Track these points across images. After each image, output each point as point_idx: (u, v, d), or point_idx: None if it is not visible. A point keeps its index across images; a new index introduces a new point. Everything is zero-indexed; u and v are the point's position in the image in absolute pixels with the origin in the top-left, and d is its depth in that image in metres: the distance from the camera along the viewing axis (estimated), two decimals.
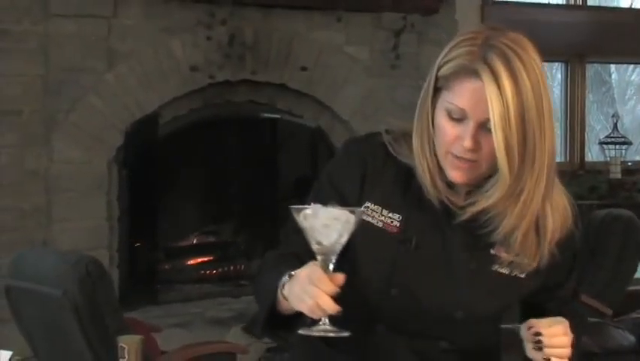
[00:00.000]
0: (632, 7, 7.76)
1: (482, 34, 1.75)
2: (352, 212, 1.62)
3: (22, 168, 4.95)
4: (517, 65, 1.70)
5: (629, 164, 7.07)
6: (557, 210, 1.85)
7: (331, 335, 1.63)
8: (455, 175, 1.79)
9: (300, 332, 1.66)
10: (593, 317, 3.65)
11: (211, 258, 5.88)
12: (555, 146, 1.78)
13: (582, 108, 7.32)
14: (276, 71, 5.53)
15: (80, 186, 5.06)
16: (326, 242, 1.61)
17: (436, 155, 1.81)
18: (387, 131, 1.95)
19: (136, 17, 5.18)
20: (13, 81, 4.91)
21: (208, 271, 5.84)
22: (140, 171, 5.34)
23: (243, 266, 5.87)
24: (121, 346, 1.66)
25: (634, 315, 3.33)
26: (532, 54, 1.75)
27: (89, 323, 3.41)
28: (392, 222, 1.87)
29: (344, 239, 1.62)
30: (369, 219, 1.87)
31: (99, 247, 4.98)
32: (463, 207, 1.83)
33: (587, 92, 7.38)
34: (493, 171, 1.77)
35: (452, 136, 1.76)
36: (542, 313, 1.88)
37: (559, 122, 7.42)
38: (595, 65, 7.61)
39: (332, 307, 1.60)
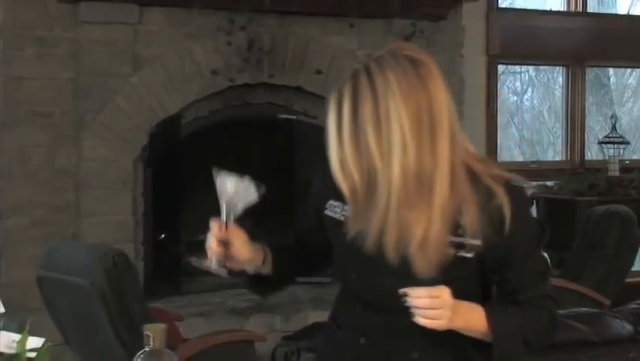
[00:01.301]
0: (630, 13, 7.72)
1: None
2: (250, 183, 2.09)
3: (53, 166, 4.96)
4: (363, 84, 1.79)
5: (627, 162, 7.06)
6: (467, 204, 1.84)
7: (211, 270, 2.07)
8: None
9: (193, 263, 1.93)
10: (591, 307, 3.65)
11: None
12: (410, 156, 1.77)
13: (582, 110, 7.31)
14: (292, 75, 5.53)
15: (108, 183, 5.08)
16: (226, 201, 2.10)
17: None
18: None
19: (160, 24, 5.19)
20: (45, 84, 4.93)
21: (228, 264, 5.84)
22: (164, 169, 5.35)
23: None
24: (146, 334, 1.66)
25: (632, 305, 3.32)
26: (390, 73, 1.79)
27: (116, 312, 3.42)
28: (347, 214, 1.95)
29: (241, 204, 2.11)
30: (332, 214, 2.01)
31: (125, 241, 4.99)
32: None
33: (586, 94, 7.37)
34: None
35: None
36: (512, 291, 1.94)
37: (560, 124, 7.42)
38: (594, 68, 7.58)
39: (213, 248, 2.06)
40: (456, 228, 1.85)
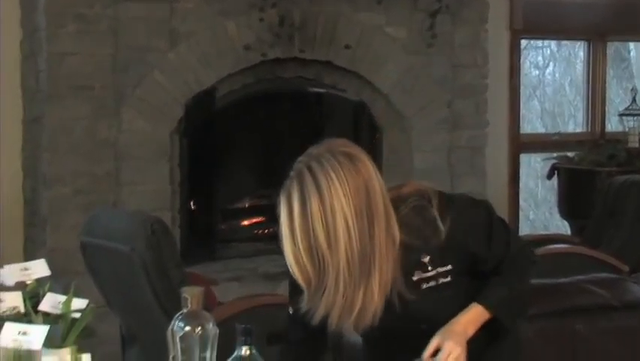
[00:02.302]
0: None
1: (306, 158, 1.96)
2: None
3: (94, 138, 4.98)
4: (308, 184, 1.89)
5: None
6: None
7: None
8: None
9: None
10: (611, 273, 3.63)
11: (263, 218, 5.89)
12: (355, 243, 1.90)
13: (603, 83, 7.23)
14: (322, 50, 5.50)
15: (146, 154, 5.09)
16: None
17: None
18: None
19: (195, 1, 5.17)
20: (86, 60, 4.94)
21: (260, 231, 5.86)
22: (199, 141, 5.36)
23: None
24: (184, 296, 1.67)
25: None
26: (331, 171, 1.90)
27: (155, 276, 3.44)
28: None
29: None
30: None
31: (163, 209, 5.01)
32: None
33: (607, 68, 7.28)
34: None
35: None
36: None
37: (581, 96, 7.34)
38: (615, 43, 7.49)
39: None
40: (421, 266, 2.05)
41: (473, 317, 2.07)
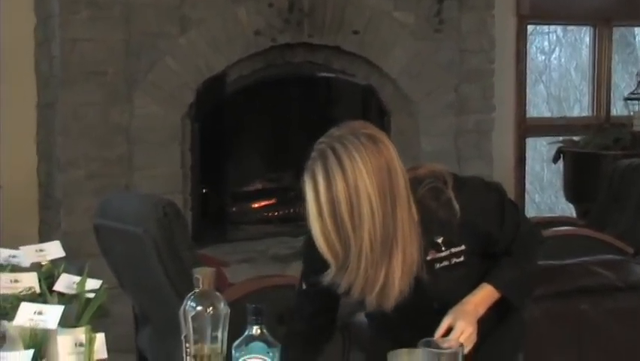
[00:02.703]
0: None
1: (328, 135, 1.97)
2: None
3: (107, 123, 4.98)
4: (333, 165, 1.89)
5: None
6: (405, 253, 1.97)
7: None
8: None
9: None
10: (616, 255, 3.62)
11: (273, 201, 5.90)
12: (377, 224, 1.90)
13: (608, 68, 7.20)
14: (331, 35, 5.49)
15: (158, 138, 5.09)
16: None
17: None
18: None
19: None
20: (99, 46, 4.94)
21: (270, 213, 5.87)
22: (210, 125, 5.36)
23: (301, 209, 5.87)
24: (196, 277, 1.68)
25: None
26: (355, 152, 1.90)
27: (167, 257, 3.45)
28: None
29: None
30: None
31: (174, 192, 5.01)
32: None
33: (612, 53, 7.25)
34: None
35: None
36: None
37: (586, 81, 7.32)
38: (620, 28, 7.45)
39: None
40: (435, 246, 2.06)
41: (484, 296, 2.08)
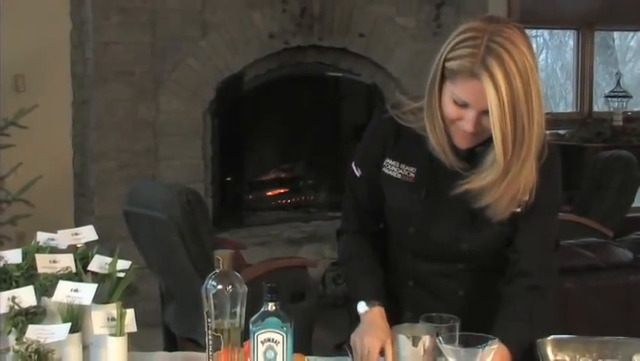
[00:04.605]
0: None
1: (482, 34, 1.69)
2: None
3: (135, 118, 4.98)
4: (510, 65, 1.65)
5: (629, 113, 6.94)
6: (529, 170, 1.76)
7: None
8: (460, 142, 1.79)
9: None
10: (598, 238, 3.61)
11: (286, 190, 5.90)
12: (542, 126, 1.72)
13: (590, 68, 7.18)
14: (339, 38, 5.47)
15: (181, 132, 5.09)
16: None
17: (443, 122, 1.78)
18: (392, 107, 1.91)
19: None
20: (128, 48, 4.94)
21: (284, 201, 5.86)
22: (228, 120, 5.36)
23: (311, 197, 5.88)
24: (216, 258, 1.67)
25: (632, 236, 3.30)
26: (523, 49, 1.68)
27: (190, 241, 3.45)
28: (409, 173, 1.87)
29: None
30: (389, 172, 1.89)
31: (196, 181, 5.01)
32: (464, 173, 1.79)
33: (594, 54, 7.24)
34: (488, 135, 1.72)
35: (457, 115, 1.74)
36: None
37: (571, 80, 7.29)
38: (601, 32, 7.43)
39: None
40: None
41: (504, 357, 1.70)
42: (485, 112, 1.69)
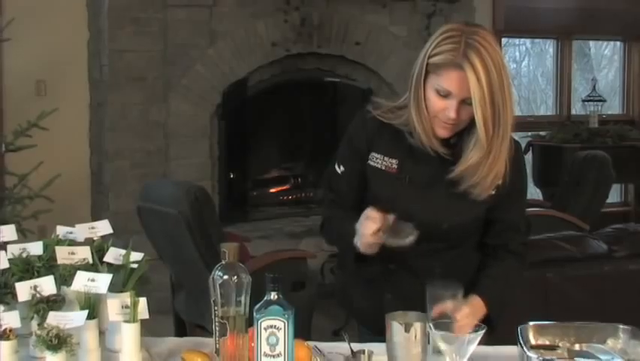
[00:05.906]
0: None
1: (461, 33, 1.77)
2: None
3: (147, 120, 4.98)
4: (487, 58, 1.75)
5: (604, 116, 6.96)
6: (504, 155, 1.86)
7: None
8: (442, 133, 1.86)
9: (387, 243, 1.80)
10: (575, 231, 3.61)
11: (288, 187, 5.89)
12: (514, 112, 1.82)
13: (569, 74, 7.20)
14: (336, 46, 5.47)
15: (190, 133, 5.09)
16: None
17: (428, 114, 1.87)
18: (373, 107, 1.99)
19: (230, 5, 5.15)
20: (140, 55, 4.93)
21: (285, 197, 5.86)
22: (234, 122, 5.35)
23: (311, 193, 5.87)
24: (223, 250, 1.67)
25: (606, 230, 3.30)
26: (495, 47, 1.79)
27: (198, 234, 3.45)
28: (392, 165, 1.93)
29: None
30: (374, 164, 1.96)
31: (204, 179, 5.01)
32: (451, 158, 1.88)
33: (572, 62, 7.25)
34: (466, 126, 1.84)
35: (440, 107, 1.82)
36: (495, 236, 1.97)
37: (551, 86, 7.30)
38: (579, 41, 7.44)
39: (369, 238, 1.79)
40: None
41: (482, 311, 1.85)
42: (464, 101, 1.79)
